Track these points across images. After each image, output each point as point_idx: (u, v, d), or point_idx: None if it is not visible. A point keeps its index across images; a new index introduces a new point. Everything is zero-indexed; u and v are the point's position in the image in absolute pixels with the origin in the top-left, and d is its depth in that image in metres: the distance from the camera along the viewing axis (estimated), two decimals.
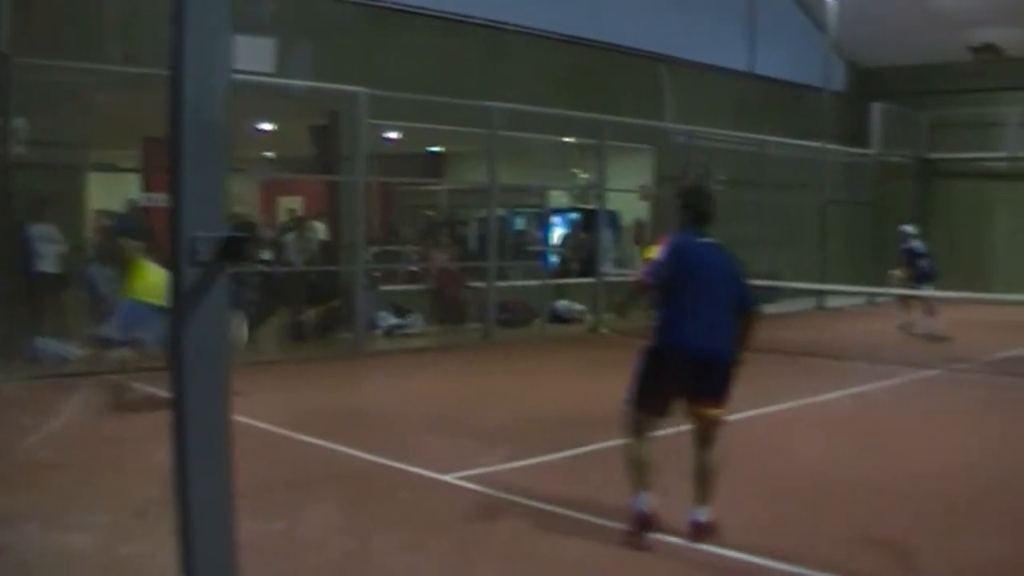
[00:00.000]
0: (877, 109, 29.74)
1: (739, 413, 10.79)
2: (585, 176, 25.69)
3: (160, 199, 15.84)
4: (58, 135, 15.03)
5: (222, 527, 3.44)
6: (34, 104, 14.43)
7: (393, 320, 19.39)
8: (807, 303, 27.08)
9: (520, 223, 27.72)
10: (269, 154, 28.41)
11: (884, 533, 7.42)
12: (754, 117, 26.61)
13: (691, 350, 6.99)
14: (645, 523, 7.07)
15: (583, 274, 23.56)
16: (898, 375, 15.62)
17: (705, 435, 7.15)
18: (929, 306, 20.39)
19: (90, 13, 15.53)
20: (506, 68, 21.31)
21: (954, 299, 21.27)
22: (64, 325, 15.26)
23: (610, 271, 22.25)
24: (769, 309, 24.55)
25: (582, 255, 24.36)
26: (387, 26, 19.88)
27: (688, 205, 7.43)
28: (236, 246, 3.30)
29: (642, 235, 24.29)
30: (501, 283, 20.82)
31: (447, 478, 8.94)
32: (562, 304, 22.42)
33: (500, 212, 22.10)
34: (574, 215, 26.65)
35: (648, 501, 7.10)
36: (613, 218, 24.49)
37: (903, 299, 21.48)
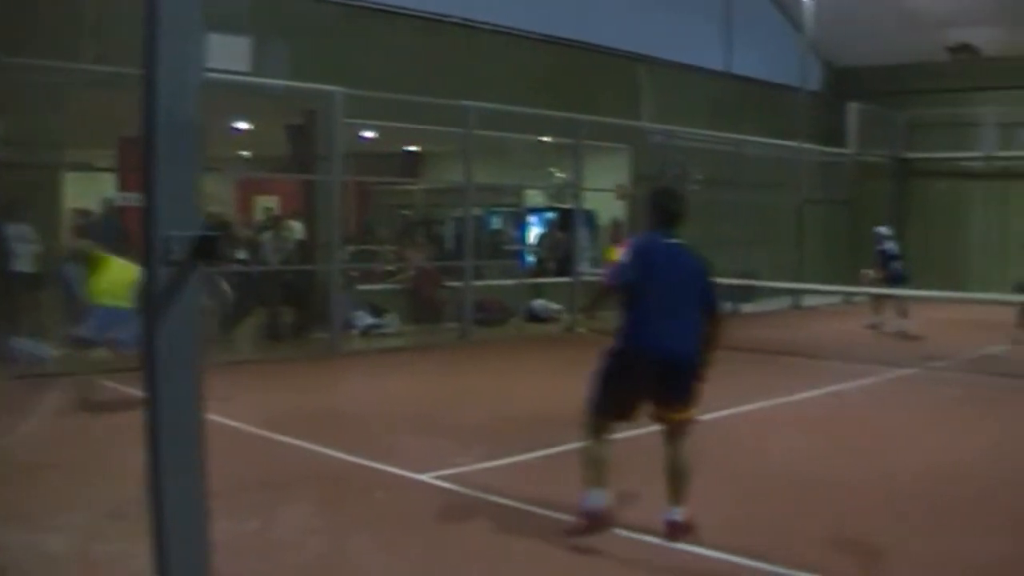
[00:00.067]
0: (854, 109, 29.81)
1: (714, 412, 10.85)
2: (562, 175, 25.68)
3: (135, 198, 15.79)
4: (33, 134, 14.96)
5: (196, 527, 3.43)
6: (8, 103, 14.34)
7: (369, 320, 19.36)
8: (783, 302, 27.15)
9: (497, 222, 27.73)
10: (245, 153, 28.34)
11: (860, 532, 7.45)
12: (731, 117, 26.68)
13: (657, 352, 6.98)
14: (596, 519, 7.09)
15: (560, 273, 23.55)
16: (874, 374, 15.67)
17: (675, 435, 7.15)
18: (901, 306, 20.48)
19: (64, 12, 15.46)
20: (483, 67, 21.31)
21: (930, 298, 21.39)
22: (40, 325, 15.18)
23: (587, 270, 22.25)
24: (745, 308, 24.80)
25: (559, 254, 24.35)
26: (364, 25, 19.86)
27: (657, 206, 7.42)
28: (209, 245, 3.29)
29: (619, 234, 24.33)
30: (477, 282, 20.78)
31: (423, 478, 8.94)
32: (539, 303, 22.43)
33: (476, 211, 22.11)
34: (551, 214, 26.69)
35: (601, 498, 7.11)
36: (590, 217, 24.49)
37: (875, 299, 21.56)
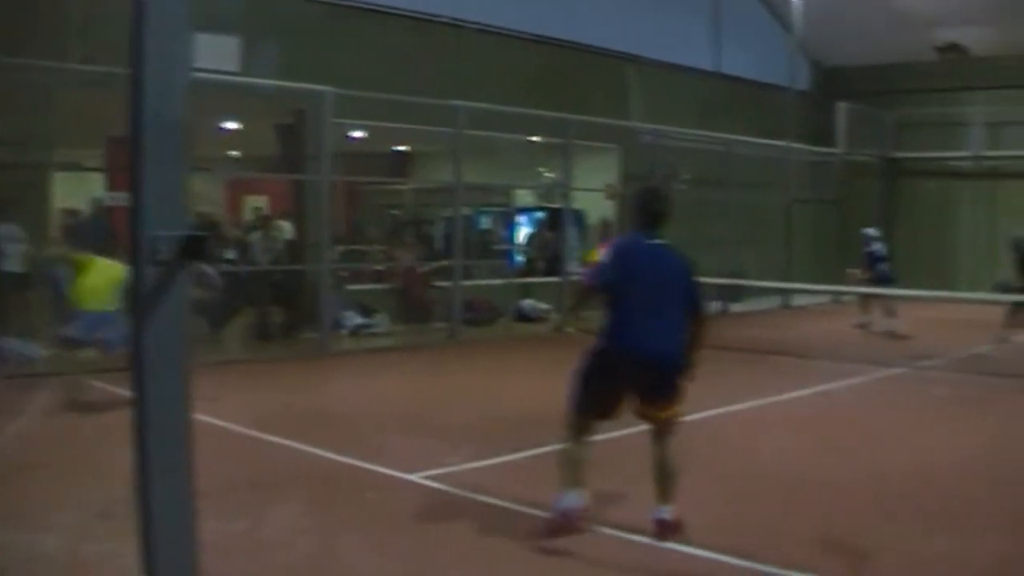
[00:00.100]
0: (842, 108, 29.86)
1: (703, 412, 10.87)
2: (551, 175, 25.70)
3: (124, 198, 15.78)
4: (22, 134, 14.92)
5: (183, 527, 3.43)
6: None
7: (359, 320, 19.35)
8: (772, 302, 27.20)
9: (486, 222, 27.73)
10: (235, 153, 28.30)
11: (849, 532, 7.45)
12: (720, 116, 26.70)
13: (640, 352, 6.98)
14: (569, 520, 7.09)
15: (549, 273, 23.58)
16: (863, 373, 15.69)
17: (661, 434, 7.15)
18: (888, 306, 20.52)
19: (52, 12, 15.43)
20: (472, 67, 21.30)
21: (918, 297, 21.43)
22: (29, 325, 15.15)
23: (576, 270, 22.25)
24: (734, 307, 24.84)
25: (547, 254, 24.39)
26: (353, 25, 19.84)
27: (640, 206, 7.42)
28: (197, 245, 3.29)
29: (608, 234, 24.34)
30: (466, 282, 20.81)
31: (412, 478, 8.93)
32: (527, 303, 22.43)
33: (466, 211, 22.10)
34: (540, 214, 26.70)
35: (575, 499, 7.11)
36: (579, 217, 24.50)
37: (863, 299, 21.61)
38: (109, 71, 12.79)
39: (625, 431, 7.72)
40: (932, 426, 12.01)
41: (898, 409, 13.20)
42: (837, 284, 24.32)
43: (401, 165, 28.93)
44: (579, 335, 7.41)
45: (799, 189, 28.86)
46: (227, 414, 11.14)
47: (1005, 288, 19.15)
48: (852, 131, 29.91)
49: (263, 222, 21.01)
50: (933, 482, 9.12)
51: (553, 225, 24.54)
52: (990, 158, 29.71)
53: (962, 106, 29.53)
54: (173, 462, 3.37)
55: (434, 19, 21.31)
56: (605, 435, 7.70)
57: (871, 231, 21.35)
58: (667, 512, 7.01)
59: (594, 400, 7.13)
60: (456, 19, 21.68)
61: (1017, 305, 17.78)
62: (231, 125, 22.59)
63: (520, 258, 25.85)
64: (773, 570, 6.54)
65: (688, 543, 6.95)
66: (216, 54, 16.41)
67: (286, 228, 20.67)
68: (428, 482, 8.80)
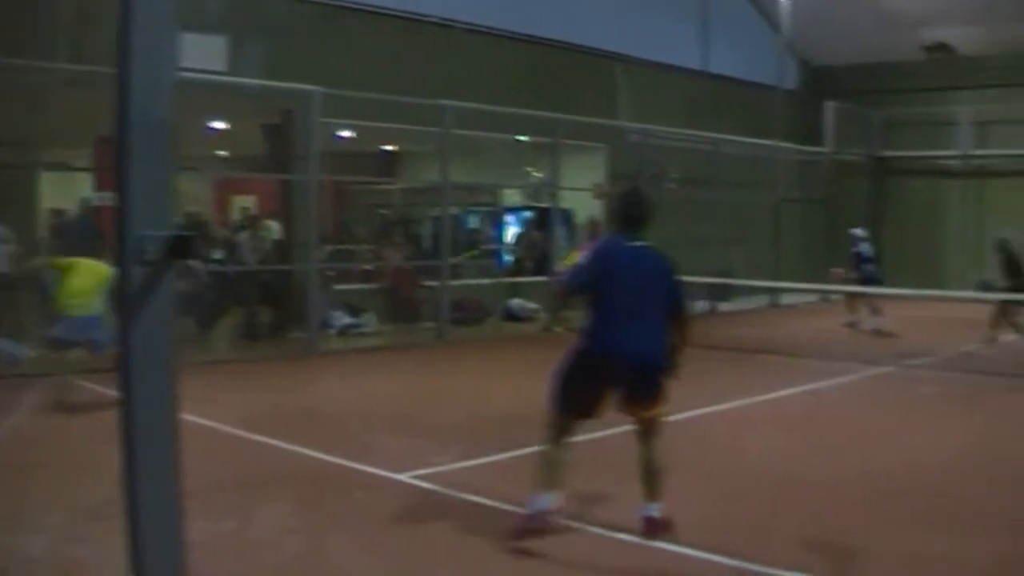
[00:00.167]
0: (830, 108, 29.93)
1: (692, 411, 10.89)
2: (539, 175, 25.70)
3: (111, 198, 15.75)
4: (10, 134, 14.88)
5: (171, 527, 3.42)
6: None
7: (347, 319, 19.33)
8: (761, 300, 27.24)
9: (474, 222, 27.73)
10: (223, 153, 28.26)
11: (837, 531, 7.47)
12: (708, 116, 26.72)
13: (621, 354, 6.96)
14: (542, 522, 7.07)
15: (537, 272, 23.59)
16: (852, 372, 15.73)
17: (647, 433, 7.14)
18: (873, 304, 20.56)
19: (40, 11, 15.39)
20: (460, 67, 21.30)
21: (907, 296, 21.47)
22: (18, 325, 15.11)
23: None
24: (723, 307, 24.87)
25: (536, 254, 24.39)
26: (341, 24, 19.82)
27: (621, 209, 7.44)
28: (184, 245, 3.28)
29: (596, 234, 24.35)
30: (455, 282, 20.82)
31: (401, 477, 8.93)
32: (516, 303, 22.43)
33: (454, 211, 22.10)
34: (528, 214, 26.70)
35: (550, 501, 7.10)
36: (567, 217, 24.50)
37: (849, 297, 21.66)
38: (97, 71, 12.77)
39: (610, 431, 7.74)
40: (920, 424, 12.03)
41: (886, 407, 13.23)
42: (825, 283, 24.37)
43: (389, 165, 28.91)
44: (566, 334, 7.39)
45: (787, 188, 28.92)
46: (215, 414, 11.13)
47: (986, 287, 19.20)
48: (840, 130, 29.98)
49: (251, 222, 20.99)
50: (922, 481, 9.13)
51: (541, 225, 24.55)
52: (978, 157, 29.83)
53: (950, 105, 29.62)
54: (161, 462, 3.36)
55: (423, 19, 21.30)
56: (591, 434, 7.72)
57: (859, 231, 21.38)
58: (655, 510, 7.02)
59: (575, 400, 7.11)
60: (445, 19, 21.67)
61: (1004, 304, 17.83)
62: (219, 125, 22.55)
63: (508, 257, 25.84)
64: (762, 569, 6.54)
65: (676, 542, 6.94)
66: (204, 53, 16.39)
67: (274, 228, 20.66)
68: (416, 482, 8.80)
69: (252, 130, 20.71)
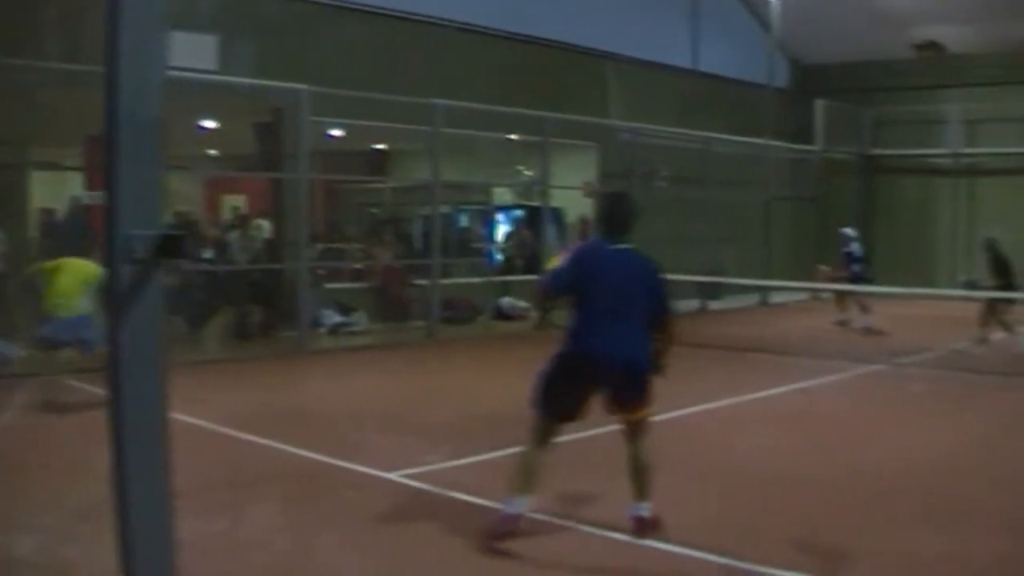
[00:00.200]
0: (821, 106, 29.98)
1: (682, 410, 10.89)
2: (529, 173, 25.69)
3: (102, 197, 15.73)
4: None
5: (161, 527, 3.41)
6: None
7: (337, 318, 19.32)
8: (751, 299, 27.26)
9: (464, 220, 27.71)
10: (213, 152, 28.22)
11: (829, 529, 7.49)
12: (698, 114, 26.75)
13: (603, 357, 6.95)
14: (514, 524, 7.04)
15: (527, 271, 23.55)
16: (842, 370, 15.75)
17: (634, 433, 7.13)
18: (862, 302, 20.59)
19: (29, 10, 15.36)
20: (450, 65, 21.30)
21: (897, 294, 21.50)
22: (9, 325, 15.08)
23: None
24: (713, 305, 24.89)
25: (526, 252, 24.37)
26: (331, 23, 19.80)
27: (604, 212, 7.45)
28: (173, 244, 3.28)
29: (587, 232, 24.33)
30: (445, 280, 20.82)
31: (391, 476, 8.93)
32: (506, 301, 22.43)
33: (444, 209, 22.09)
34: (518, 212, 26.67)
35: (523, 505, 7.08)
36: (557, 215, 24.47)
37: (839, 296, 21.69)
38: (87, 69, 12.74)
39: (598, 430, 7.74)
40: (911, 423, 12.05)
41: (877, 406, 13.24)
42: (815, 281, 24.40)
43: (380, 163, 28.89)
44: (557, 333, 7.39)
45: (778, 186, 28.94)
46: (205, 413, 11.12)
47: (972, 286, 19.24)
48: (830, 128, 30.04)
49: (241, 221, 20.98)
50: (913, 479, 9.13)
51: (532, 223, 24.53)
52: (968, 155, 29.90)
53: (940, 103, 29.70)
54: (151, 462, 3.35)
55: (412, 17, 21.27)
56: (578, 433, 7.72)
57: (849, 231, 21.40)
58: (644, 509, 7.02)
59: (557, 403, 7.09)
60: (434, 17, 21.65)
61: (992, 303, 17.87)
62: (209, 124, 22.52)
63: (499, 256, 25.82)
64: (753, 567, 6.55)
65: (667, 540, 6.95)
66: (193, 52, 16.37)
67: (264, 227, 20.64)
68: (407, 480, 8.80)
69: (242, 129, 20.70)
